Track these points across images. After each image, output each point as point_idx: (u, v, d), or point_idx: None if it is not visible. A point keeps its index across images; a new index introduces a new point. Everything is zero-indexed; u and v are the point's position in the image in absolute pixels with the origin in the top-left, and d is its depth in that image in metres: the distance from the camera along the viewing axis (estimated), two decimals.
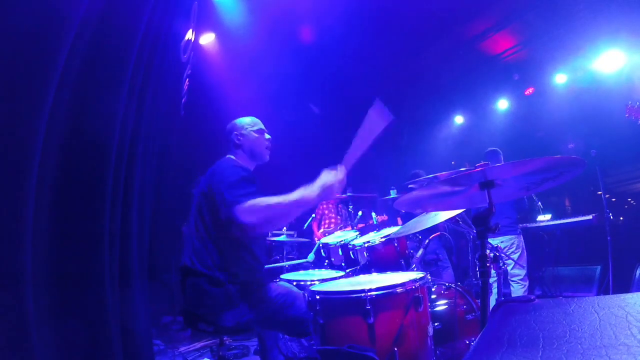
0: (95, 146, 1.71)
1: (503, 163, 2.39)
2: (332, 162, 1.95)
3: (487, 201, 1.42)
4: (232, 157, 2.16)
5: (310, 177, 1.87)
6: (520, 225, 4.14)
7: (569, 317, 0.75)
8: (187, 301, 1.93)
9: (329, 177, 1.84)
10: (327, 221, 5.15)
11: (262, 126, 2.22)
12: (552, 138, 5.97)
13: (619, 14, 4.47)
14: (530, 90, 6.14)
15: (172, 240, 4.64)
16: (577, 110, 5.49)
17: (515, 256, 3.89)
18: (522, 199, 4.05)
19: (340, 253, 3.11)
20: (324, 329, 1.72)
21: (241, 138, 2.16)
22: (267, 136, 2.21)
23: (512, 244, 3.93)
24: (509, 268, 3.93)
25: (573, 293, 4.42)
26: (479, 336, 0.86)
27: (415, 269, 2.40)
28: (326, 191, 1.81)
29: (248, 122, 2.20)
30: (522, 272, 3.97)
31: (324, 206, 5.20)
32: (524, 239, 4.07)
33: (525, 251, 4.04)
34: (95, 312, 1.65)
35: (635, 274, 3.73)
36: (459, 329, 2.06)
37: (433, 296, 2.20)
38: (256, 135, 2.17)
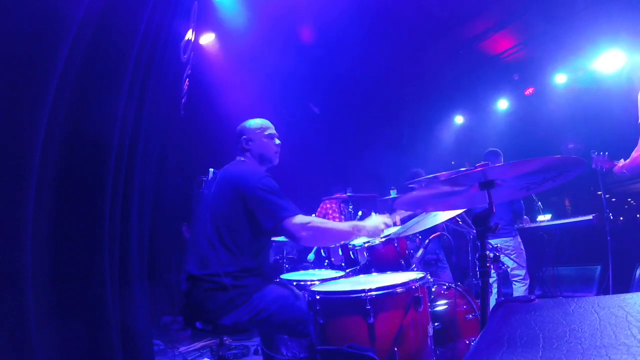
0: (95, 146, 1.71)
1: (503, 163, 2.39)
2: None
3: (487, 201, 1.42)
4: (244, 159, 2.16)
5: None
6: (517, 226, 4.14)
7: (569, 317, 0.75)
8: (189, 305, 1.93)
9: (378, 219, 2.02)
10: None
11: (273, 130, 2.21)
12: (552, 138, 5.97)
13: (619, 14, 4.47)
14: (530, 90, 6.14)
15: (172, 240, 4.64)
16: (577, 110, 5.49)
17: (512, 257, 3.89)
18: (517, 201, 4.05)
19: (340, 253, 3.11)
20: (324, 329, 1.71)
21: (250, 143, 2.15)
22: (277, 141, 2.21)
23: (509, 246, 3.93)
24: (508, 269, 3.93)
25: (573, 293, 4.42)
26: (479, 336, 0.86)
27: (415, 269, 2.40)
28: (371, 232, 2.00)
29: (257, 126, 2.18)
30: (523, 272, 3.98)
31: (327, 205, 5.19)
32: (522, 239, 4.07)
33: (523, 251, 4.04)
34: (95, 312, 1.65)
35: (635, 274, 3.73)
36: (459, 329, 2.05)
37: (433, 296, 2.20)
38: (265, 140, 2.17)
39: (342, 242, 2.80)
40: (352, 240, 2.76)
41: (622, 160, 3.46)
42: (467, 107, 7.01)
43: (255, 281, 1.90)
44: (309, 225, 1.88)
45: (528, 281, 4.02)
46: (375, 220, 2.02)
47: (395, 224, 3.29)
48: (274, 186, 1.94)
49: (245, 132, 2.17)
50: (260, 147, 2.16)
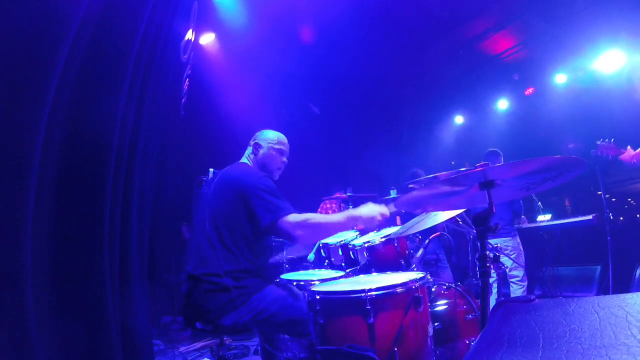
0: (95, 146, 1.71)
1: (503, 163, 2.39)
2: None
3: (487, 201, 1.42)
4: (247, 163, 2.18)
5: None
6: (517, 226, 4.13)
7: (569, 317, 0.75)
8: (189, 305, 1.93)
9: (374, 208, 1.96)
10: None
11: (285, 148, 2.22)
12: (552, 138, 5.96)
13: (619, 14, 4.47)
14: (530, 90, 6.14)
15: (172, 240, 4.64)
16: (577, 110, 5.49)
17: (512, 257, 3.89)
18: (517, 201, 4.04)
19: (340, 253, 3.10)
20: (324, 328, 1.71)
21: (259, 149, 2.18)
22: (284, 159, 2.22)
23: (508, 246, 3.92)
24: (507, 270, 3.92)
25: (573, 293, 4.41)
26: (479, 336, 0.86)
27: (415, 269, 2.40)
28: (368, 220, 1.95)
29: (272, 138, 2.21)
30: (521, 273, 3.96)
31: (327, 205, 5.19)
32: (521, 239, 4.07)
33: (522, 252, 4.03)
34: (95, 312, 1.65)
35: (635, 274, 3.73)
36: (459, 329, 2.06)
37: (433, 296, 2.20)
38: (274, 153, 2.18)
39: (340, 233, 2.76)
40: (349, 229, 2.73)
41: (629, 147, 3.38)
42: (467, 107, 7.01)
43: (255, 282, 1.90)
44: (304, 222, 1.87)
45: (526, 283, 4.00)
46: (372, 208, 1.97)
47: (395, 224, 3.29)
48: (272, 186, 1.95)
49: (259, 139, 2.20)
50: (266, 157, 2.17)
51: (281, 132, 2.27)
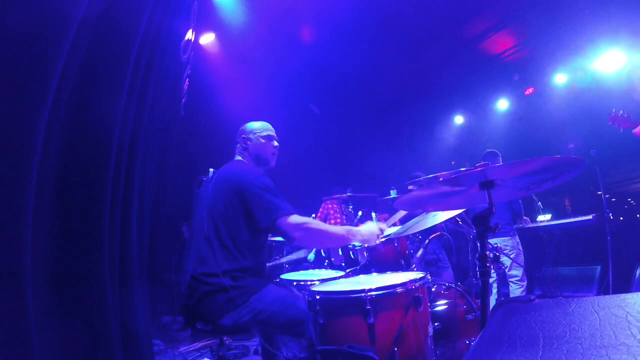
0: (95, 146, 1.71)
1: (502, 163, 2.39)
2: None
3: (487, 201, 1.42)
4: (242, 159, 2.18)
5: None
6: (517, 226, 4.13)
7: (569, 317, 0.75)
8: (189, 305, 1.93)
9: (373, 225, 2.07)
10: (332, 220, 5.15)
11: (272, 132, 2.22)
12: (552, 138, 5.97)
13: (619, 14, 4.47)
14: (530, 90, 6.14)
15: (172, 240, 4.65)
16: (577, 110, 5.49)
17: (511, 256, 3.89)
18: (516, 201, 4.04)
19: (340, 253, 3.11)
20: (324, 328, 1.71)
21: (248, 142, 2.17)
22: (275, 143, 2.22)
23: (507, 245, 3.91)
24: (506, 270, 3.92)
25: (573, 293, 4.41)
26: (479, 336, 0.86)
27: (415, 269, 2.40)
28: (366, 237, 2.03)
29: (257, 127, 2.20)
30: (519, 273, 3.96)
31: (329, 205, 5.20)
32: (521, 239, 4.06)
33: (521, 252, 4.03)
34: (95, 312, 1.65)
35: (635, 274, 3.73)
36: (459, 329, 2.06)
37: (433, 296, 2.20)
38: (263, 141, 2.18)
39: (336, 246, 2.81)
40: (346, 244, 2.76)
41: None
42: (467, 107, 7.01)
43: (253, 281, 1.90)
44: (304, 226, 1.88)
45: (525, 283, 4.00)
46: (371, 226, 2.04)
47: (395, 224, 3.30)
48: (271, 185, 1.94)
49: (245, 132, 2.20)
50: (257, 148, 2.17)
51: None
